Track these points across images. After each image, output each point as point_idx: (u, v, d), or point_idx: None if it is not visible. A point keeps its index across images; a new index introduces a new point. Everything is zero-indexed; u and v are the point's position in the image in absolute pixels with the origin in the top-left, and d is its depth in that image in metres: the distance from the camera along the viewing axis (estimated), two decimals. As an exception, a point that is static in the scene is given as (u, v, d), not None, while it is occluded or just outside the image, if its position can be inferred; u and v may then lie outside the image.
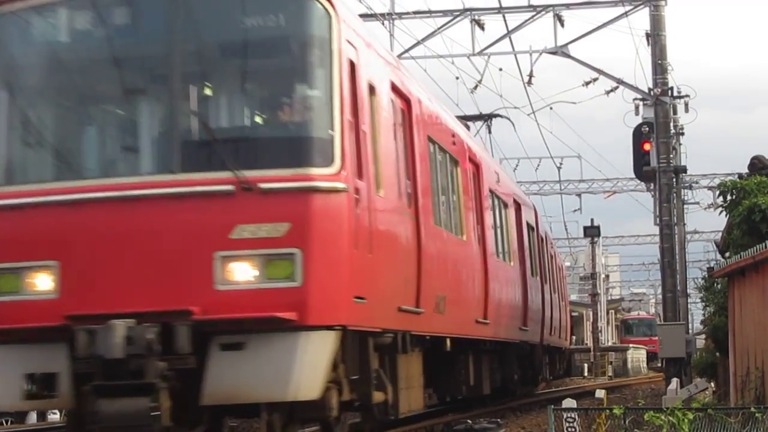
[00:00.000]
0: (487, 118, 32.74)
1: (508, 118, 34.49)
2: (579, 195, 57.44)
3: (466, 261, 19.23)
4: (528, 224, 28.88)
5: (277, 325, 11.53)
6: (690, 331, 32.35)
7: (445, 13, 31.10)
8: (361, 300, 12.45)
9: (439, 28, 31.01)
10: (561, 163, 53.05)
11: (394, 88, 14.90)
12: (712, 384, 28.14)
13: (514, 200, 26.78)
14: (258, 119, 12.71)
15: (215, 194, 11.80)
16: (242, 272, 11.70)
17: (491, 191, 22.91)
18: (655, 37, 29.97)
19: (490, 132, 33.01)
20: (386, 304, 13.73)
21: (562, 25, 30.65)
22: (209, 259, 11.70)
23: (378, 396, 13.73)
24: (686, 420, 14.12)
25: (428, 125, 16.92)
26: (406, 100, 15.67)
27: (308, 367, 11.59)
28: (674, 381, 25.10)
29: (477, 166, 21.31)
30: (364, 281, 12.65)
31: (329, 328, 11.82)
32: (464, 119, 28.57)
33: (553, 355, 37.31)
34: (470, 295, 19.51)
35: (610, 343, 73.33)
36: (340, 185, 11.93)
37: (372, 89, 13.52)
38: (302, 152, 11.99)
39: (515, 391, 28.94)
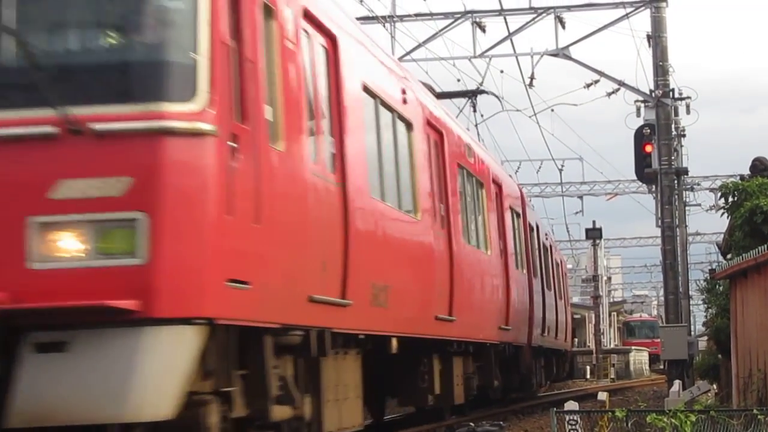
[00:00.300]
0: (471, 95, 30.81)
1: (494, 94, 32.92)
2: (581, 197, 57.43)
3: (423, 246, 16.12)
4: (513, 209, 26.10)
5: (111, 317, 8.48)
6: (692, 333, 32.31)
7: (446, 15, 31.12)
8: (242, 285, 9.40)
9: (440, 31, 31.04)
10: (562, 165, 53.13)
11: (308, 16, 11.72)
12: (715, 386, 28.09)
13: (493, 179, 23.51)
14: (93, 38, 9.31)
15: (31, 138, 8.71)
16: (66, 245, 8.64)
17: (459, 165, 19.44)
18: (657, 38, 29.96)
19: (474, 110, 31.09)
20: (287, 292, 10.49)
21: (564, 27, 30.67)
22: (20, 227, 8.61)
23: (281, 411, 10.69)
24: (689, 422, 14.09)
25: (360, 67, 13.54)
26: (331, 38, 12.47)
27: (155, 375, 8.59)
28: (676, 383, 25.03)
29: (440, 134, 17.96)
30: (247, 260, 9.58)
31: (187, 321, 8.79)
32: (446, 96, 27.98)
33: (549, 357, 34.82)
34: (428, 286, 16.47)
35: (612, 346, 73.24)
36: (205, 127, 8.87)
37: (269, 10, 10.50)
38: (151, 82, 8.88)
39: (499, 399, 26.59)
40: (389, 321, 14.40)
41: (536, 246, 30.56)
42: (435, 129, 17.54)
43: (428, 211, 16.46)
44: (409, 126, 15.92)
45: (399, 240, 14.84)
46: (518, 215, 27.02)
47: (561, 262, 40.93)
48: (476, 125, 31.53)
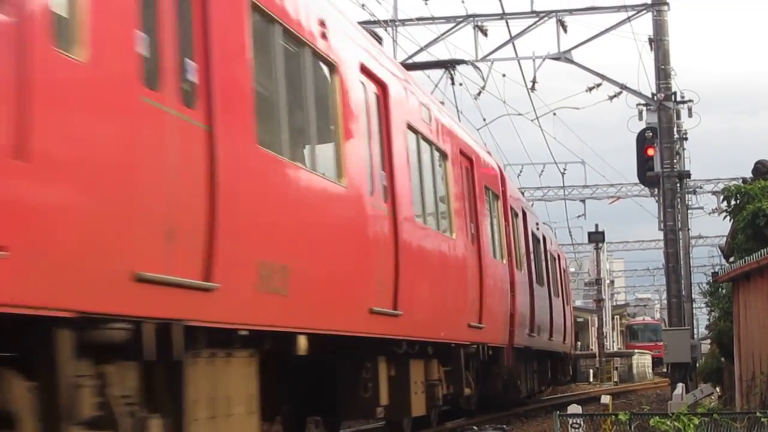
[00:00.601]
0: (449, 65, 28.77)
1: (473, 64, 30.63)
2: (583, 200, 57.43)
3: (349, 219, 12.86)
4: (488, 188, 22.49)
5: None
6: (695, 336, 32.29)
7: (447, 19, 31.15)
8: None
9: (442, 35, 31.07)
10: (565, 169, 53.20)
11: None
12: (718, 389, 28.10)
13: (460, 150, 19.74)
14: None
15: None
16: None
17: (409, 125, 15.76)
18: (658, 42, 29.97)
19: (453, 83, 29.27)
20: (93, 266, 7.50)
21: (565, 30, 30.70)
22: None
23: None
24: (692, 425, 14.08)
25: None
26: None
27: None
28: (679, 386, 25.03)
29: (384, 88, 14.92)
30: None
31: None
32: (419, 67, 27.35)
33: (542, 361, 32.21)
34: (357, 271, 13.04)
35: (615, 349, 73.25)
36: None
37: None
38: None
39: (472, 412, 22.99)
40: (291, 313, 10.97)
41: (522, 234, 27.39)
42: (375, 80, 15.19)
43: (358, 176, 13.27)
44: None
45: (311, 208, 11.66)
46: (497, 197, 23.82)
47: (559, 256, 38.21)
48: (478, 129, 31.40)
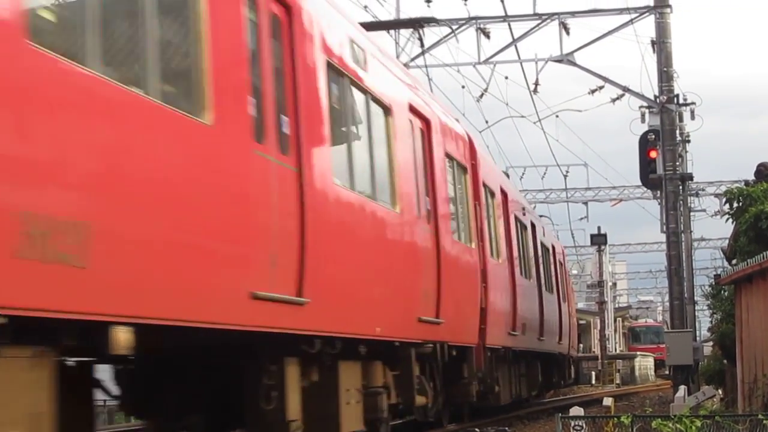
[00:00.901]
0: (416, 24, 27.06)
1: (441, 22, 28.98)
2: (585, 203, 57.50)
3: (198, 170, 9.29)
4: (451, 158, 18.71)
5: None
6: (697, 338, 32.29)
7: (450, 21, 31.15)
8: None
9: (444, 37, 31.07)
10: (567, 171, 53.28)
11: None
12: (720, 391, 28.11)
13: (410, 105, 16.09)
14: None
15: None
16: None
17: (330, 64, 12.56)
18: (661, 44, 29.97)
19: (422, 45, 28.33)
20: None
21: (568, 33, 30.69)
22: None
23: None
24: (694, 427, 14.10)
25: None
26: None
27: None
28: (682, 388, 25.02)
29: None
30: None
31: None
32: (380, 27, 26.40)
33: (533, 363, 29.39)
34: (222, 240, 9.56)
35: (617, 351, 73.25)
36: None
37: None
38: None
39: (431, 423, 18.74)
40: (98, 294, 7.73)
41: (501, 217, 23.97)
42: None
43: (232, 113, 10.21)
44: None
45: (138, 144, 8.42)
46: (463, 169, 19.81)
47: (553, 248, 35.53)
48: (480, 132, 31.16)
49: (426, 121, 17.00)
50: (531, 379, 29.38)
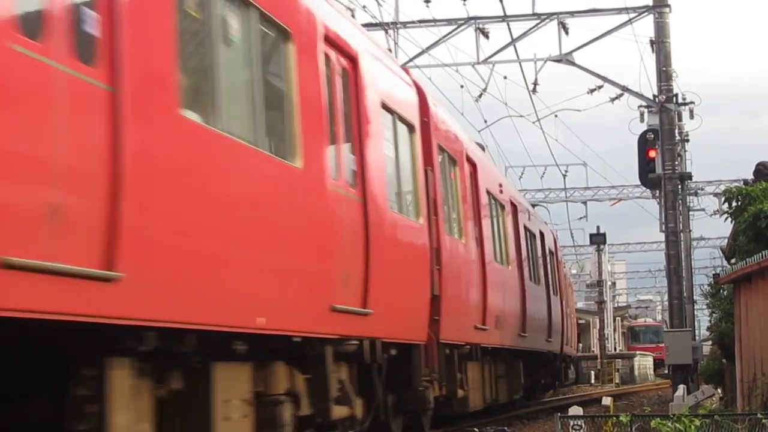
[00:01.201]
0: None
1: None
2: (584, 202, 57.47)
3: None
4: (389, 109, 15.08)
5: None
6: (696, 337, 32.32)
7: (449, 21, 31.16)
8: None
9: (443, 37, 31.09)
10: (566, 171, 53.23)
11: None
12: (719, 390, 28.12)
13: (325, 35, 12.18)
14: None
15: None
16: None
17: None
18: (660, 44, 30.00)
19: (379, 3, 27.65)
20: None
21: (567, 32, 30.71)
22: None
23: None
24: (693, 426, 14.10)
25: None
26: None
27: None
28: (681, 388, 25.04)
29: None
30: None
31: None
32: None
33: (514, 363, 26.09)
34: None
35: (616, 351, 73.27)
36: None
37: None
38: None
39: None
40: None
41: (468, 190, 20.41)
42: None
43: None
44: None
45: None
46: (409, 126, 16.27)
47: (542, 234, 32.20)
48: (479, 131, 30.88)
49: (351, 59, 13.44)
50: (512, 381, 26.01)
